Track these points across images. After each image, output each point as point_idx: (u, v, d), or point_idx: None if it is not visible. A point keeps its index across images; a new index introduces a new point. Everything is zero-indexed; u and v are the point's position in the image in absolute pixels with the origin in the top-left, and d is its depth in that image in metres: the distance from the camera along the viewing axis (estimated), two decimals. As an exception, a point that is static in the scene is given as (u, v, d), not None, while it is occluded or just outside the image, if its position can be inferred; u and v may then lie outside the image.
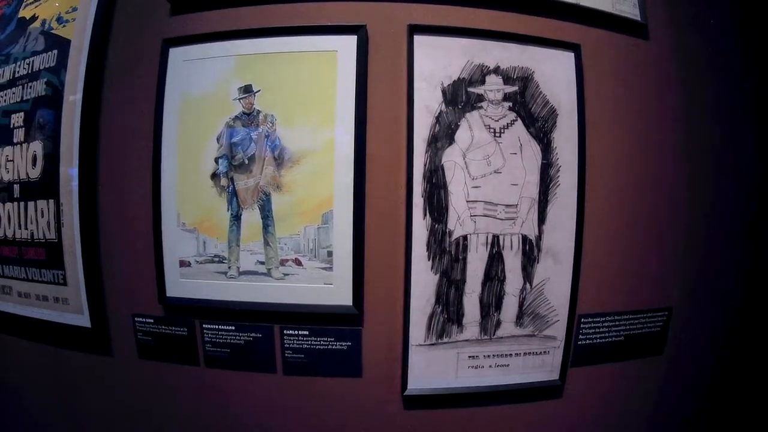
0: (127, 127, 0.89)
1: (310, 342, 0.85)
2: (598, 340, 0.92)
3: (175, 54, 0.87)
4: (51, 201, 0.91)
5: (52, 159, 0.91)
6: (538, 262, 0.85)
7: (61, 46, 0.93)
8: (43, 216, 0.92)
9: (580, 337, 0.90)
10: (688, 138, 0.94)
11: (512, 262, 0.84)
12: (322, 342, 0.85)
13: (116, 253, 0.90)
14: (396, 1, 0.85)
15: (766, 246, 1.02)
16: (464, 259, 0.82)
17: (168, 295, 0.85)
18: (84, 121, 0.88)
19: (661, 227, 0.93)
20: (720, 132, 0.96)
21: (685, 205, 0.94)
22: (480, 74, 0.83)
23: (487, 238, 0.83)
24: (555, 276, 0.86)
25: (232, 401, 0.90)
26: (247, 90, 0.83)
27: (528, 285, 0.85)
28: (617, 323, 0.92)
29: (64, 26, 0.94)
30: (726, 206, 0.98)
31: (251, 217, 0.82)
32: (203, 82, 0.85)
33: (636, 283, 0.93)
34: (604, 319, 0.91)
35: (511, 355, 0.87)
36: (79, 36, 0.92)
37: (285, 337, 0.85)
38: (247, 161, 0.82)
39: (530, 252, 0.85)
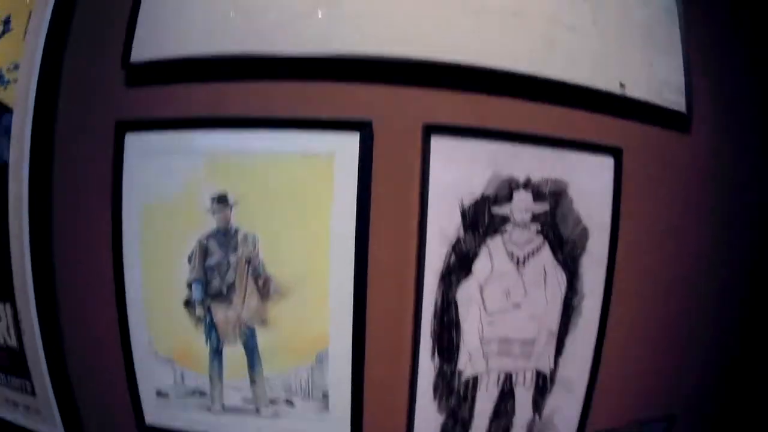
0: (81, 229, 0.75)
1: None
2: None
3: (133, 142, 0.70)
4: (8, 304, 0.79)
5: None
6: (550, 393, 0.79)
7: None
8: (0, 320, 0.81)
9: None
10: (717, 269, 0.87)
11: (523, 397, 0.77)
12: (315, 479, 0.79)
13: (86, 371, 0.80)
14: (410, 85, 0.69)
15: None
16: (473, 398, 0.75)
17: (147, 422, 0.77)
18: (33, 219, 0.74)
19: (681, 358, 0.87)
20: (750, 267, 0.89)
21: (708, 343, 0.89)
22: (507, 189, 0.70)
23: (499, 376, 0.75)
24: (566, 404, 0.80)
25: None
26: (221, 200, 0.68)
27: (537, 417, 0.79)
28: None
29: (5, 88, 0.76)
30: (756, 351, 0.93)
31: (234, 353, 0.72)
32: (168, 185, 0.70)
33: (646, 403, 0.88)
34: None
35: (513, 480, 0.83)
36: (22, 102, 0.74)
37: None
38: (225, 290, 0.70)
39: (543, 385, 0.78)
